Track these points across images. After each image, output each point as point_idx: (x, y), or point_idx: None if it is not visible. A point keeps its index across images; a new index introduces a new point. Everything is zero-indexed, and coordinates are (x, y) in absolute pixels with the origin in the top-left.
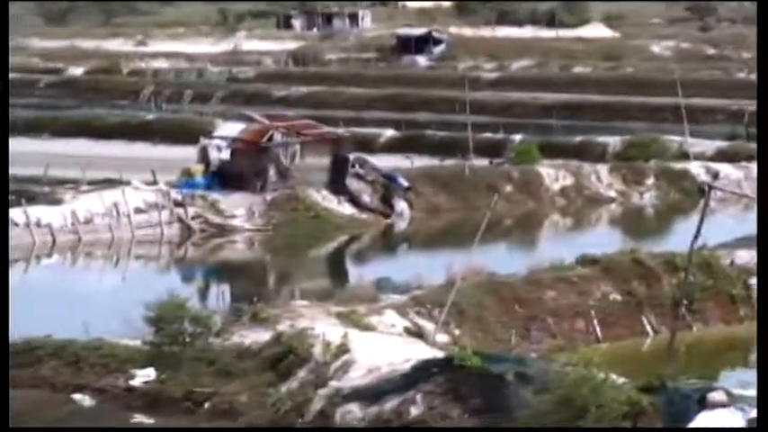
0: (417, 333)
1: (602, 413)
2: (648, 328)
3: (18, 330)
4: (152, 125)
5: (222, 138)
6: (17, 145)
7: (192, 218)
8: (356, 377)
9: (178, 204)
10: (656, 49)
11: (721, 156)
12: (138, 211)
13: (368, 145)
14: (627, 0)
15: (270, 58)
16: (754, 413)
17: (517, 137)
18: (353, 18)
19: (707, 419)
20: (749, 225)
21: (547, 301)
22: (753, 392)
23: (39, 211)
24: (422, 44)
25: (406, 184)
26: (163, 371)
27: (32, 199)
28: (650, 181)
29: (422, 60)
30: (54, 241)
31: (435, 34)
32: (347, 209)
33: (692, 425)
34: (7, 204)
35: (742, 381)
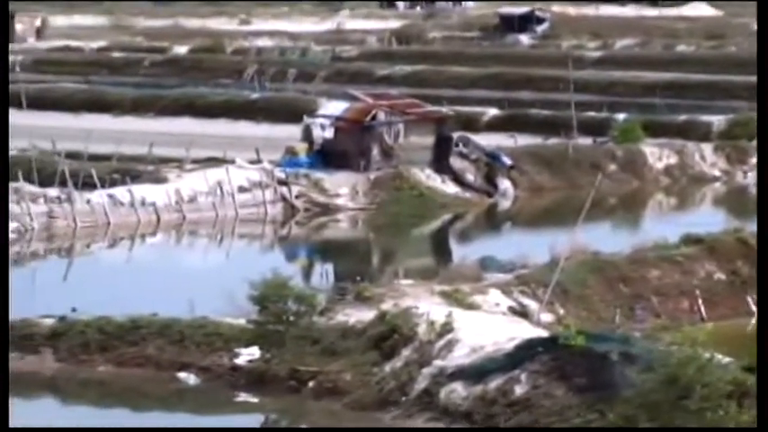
0: (521, 312)
1: (707, 392)
2: (753, 307)
3: (123, 309)
4: (256, 104)
5: (326, 116)
6: (122, 123)
7: (296, 196)
8: (460, 356)
9: (282, 183)
10: None
11: None
12: (242, 189)
13: (471, 124)
14: None
15: (373, 36)
16: None
17: (620, 116)
18: None
19: None
20: None
21: (651, 281)
22: None
23: (143, 190)
24: (525, 22)
25: (509, 162)
26: (267, 350)
27: (137, 178)
28: (754, 160)
29: (525, 39)
30: (158, 220)
31: (538, 13)
32: (451, 188)
33: None
34: (7, 204)
35: None
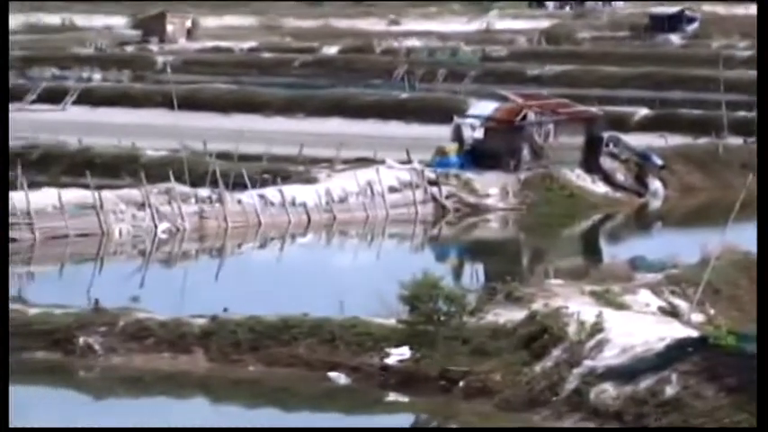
0: (672, 312)
1: None
2: None
3: (274, 309)
4: (406, 104)
5: (476, 116)
6: (272, 124)
7: (446, 197)
8: (610, 356)
9: (432, 183)
10: None
11: None
12: (392, 189)
13: (621, 123)
14: None
15: (523, 36)
16: None
17: None
18: None
19: None
20: None
21: None
22: None
23: (294, 190)
24: (675, 22)
25: (660, 162)
26: (417, 349)
27: (287, 178)
28: None
29: (675, 39)
30: (309, 220)
31: (688, 12)
32: (601, 188)
33: None
34: (7, 203)
35: None
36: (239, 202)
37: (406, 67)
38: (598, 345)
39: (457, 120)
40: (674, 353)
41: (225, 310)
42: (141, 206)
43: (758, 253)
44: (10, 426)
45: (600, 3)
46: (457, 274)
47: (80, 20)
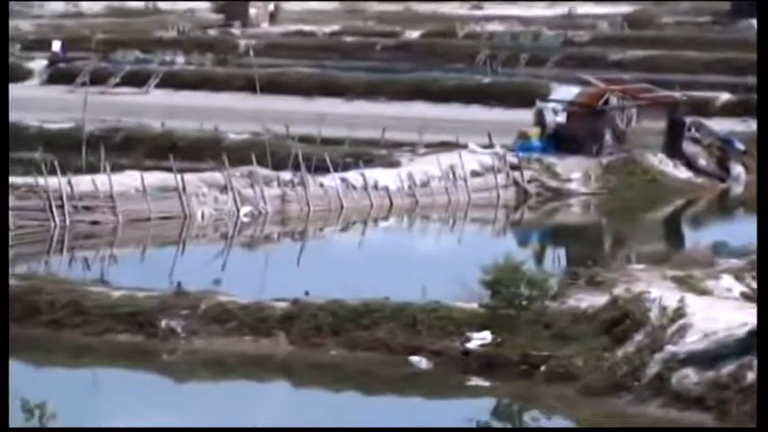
0: (754, 298)
1: None
2: None
3: (356, 293)
4: (488, 88)
5: (558, 101)
6: (355, 107)
7: (528, 181)
8: (692, 342)
9: (514, 167)
10: None
11: None
12: (475, 173)
13: (704, 108)
14: None
15: (605, 21)
16: None
17: None
18: None
19: None
20: None
21: None
22: None
23: (376, 174)
24: None
25: (742, 147)
26: (499, 334)
27: (369, 162)
28: None
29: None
30: (391, 204)
31: None
32: (683, 172)
33: None
34: (7, 203)
35: None
36: (321, 185)
37: (488, 51)
38: (680, 330)
39: (539, 104)
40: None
41: (306, 293)
42: (224, 189)
43: (758, 253)
44: (10, 426)
45: None
46: (539, 258)
47: (163, 3)
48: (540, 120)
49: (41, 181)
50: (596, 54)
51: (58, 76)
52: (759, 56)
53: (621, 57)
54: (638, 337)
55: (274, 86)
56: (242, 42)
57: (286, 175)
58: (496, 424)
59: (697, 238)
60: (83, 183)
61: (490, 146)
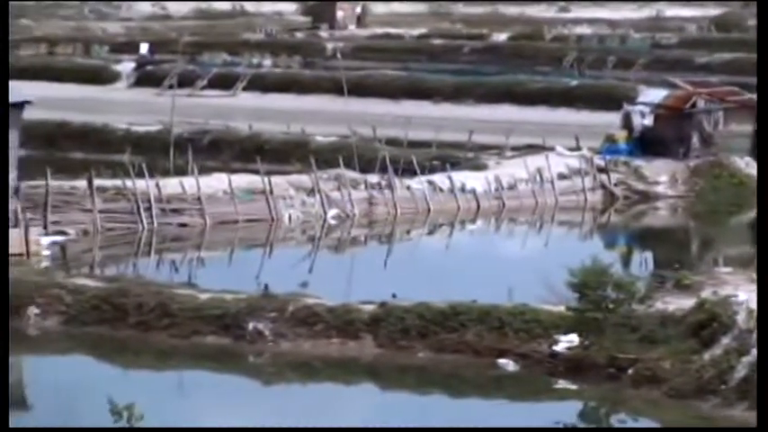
0: None
1: None
2: None
3: (443, 295)
4: (575, 91)
5: (645, 104)
6: (441, 110)
7: (615, 184)
8: None
9: (601, 170)
10: None
11: None
12: (562, 176)
13: None
14: None
15: (692, 24)
16: None
17: None
18: None
19: None
20: None
21: None
22: None
23: (463, 177)
24: None
25: None
26: (586, 337)
27: (456, 164)
28: None
29: None
30: (478, 207)
31: None
32: None
33: None
34: (7, 203)
35: None
36: (408, 188)
37: (575, 53)
38: None
39: (626, 107)
40: None
41: (394, 296)
42: (311, 192)
43: (758, 253)
44: (10, 426)
45: None
46: (626, 261)
47: (250, 5)
48: (627, 123)
49: (129, 183)
50: (683, 57)
51: (146, 78)
52: (759, 56)
53: (709, 59)
54: (726, 340)
55: (361, 89)
56: (329, 45)
57: (373, 178)
58: (583, 427)
59: None
60: (170, 185)
61: (577, 149)
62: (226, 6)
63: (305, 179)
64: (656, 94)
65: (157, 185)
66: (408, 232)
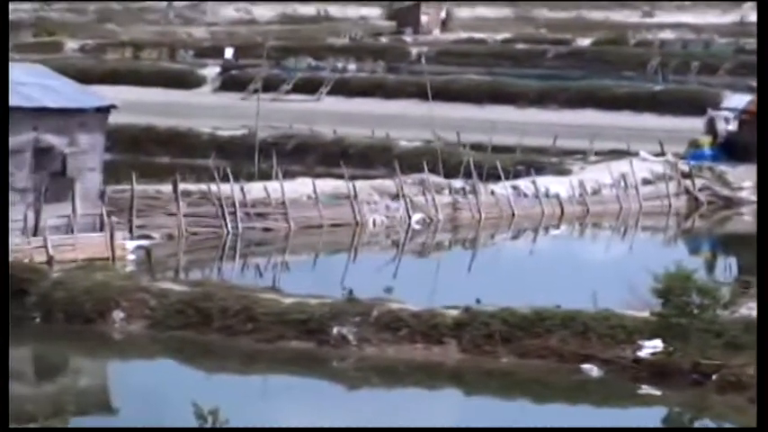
0: None
1: None
2: None
3: (527, 300)
4: (659, 96)
5: (730, 109)
6: (525, 115)
7: (700, 189)
8: None
9: (685, 176)
10: None
11: None
12: (646, 182)
13: None
14: None
15: None
16: None
17: None
18: None
19: None
20: None
21: None
22: None
23: (547, 182)
24: None
25: None
26: (670, 342)
27: (541, 169)
28: None
29: None
30: (562, 212)
31: None
32: None
33: None
34: (7, 204)
35: None
36: (493, 193)
37: (659, 59)
38: None
39: (711, 112)
40: None
41: (478, 301)
42: (395, 197)
43: (758, 254)
44: (9, 426)
45: None
46: (710, 266)
47: (335, 10)
48: (711, 128)
49: (214, 188)
50: None
51: (231, 83)
52: (759, 55)
53: None
54: None
55: (446, 93)
56: (413, 49)
57: (457, 183)
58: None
59: None
60: (255, 189)
61: (661, 154)
62: (311, 11)
63: (389, 184)
64: (740, 100)
65: (242, 190)
66: (492, 237)
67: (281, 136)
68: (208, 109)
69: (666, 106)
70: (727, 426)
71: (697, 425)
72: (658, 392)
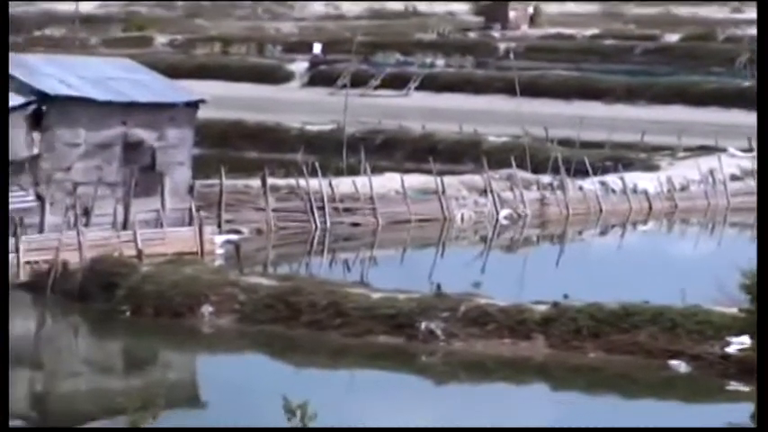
0: None
1: None
2: None
3: (614, 296)
4: (747, 92)
5: None
6: (613, 111)
7: None
8: None
9: None
10: None
11: None
12: (734, 178)
13: None
14: None
15: None
16: None
17: None
18: None
19: None
20: None
21: None
22: None
23: (635, 178)
24: None
25: None
26: None
27: (629, 165)
28: None
29: None
30: (650, 208)
31: None
32: None
33: None
34: (7, 204)
35: None
36: (580, 188)
37: (748, 54)
38: None
39: None
40: None
41: (565, 296)
42: (483, 192)
43: (758, 253)
44: (9, 426)
45: None
46: None
47: (423, 5)
48: None
49: (303, 183)
50: None
51: (319, 78)
52: (759, 55)
53: None
54: None
55: (533, 89)
56: (501, 45)
57: (545, 178)
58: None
59: None
60: (343, 185)
61: (750, 150)
62: (398, 6)
63: (477, 179)
64: None
65: (330, 185)
66: (580, 233)
67: (370, 131)
68: (296, 104)
69: (755, 102)
70: None
71: None
72: (746, 389)
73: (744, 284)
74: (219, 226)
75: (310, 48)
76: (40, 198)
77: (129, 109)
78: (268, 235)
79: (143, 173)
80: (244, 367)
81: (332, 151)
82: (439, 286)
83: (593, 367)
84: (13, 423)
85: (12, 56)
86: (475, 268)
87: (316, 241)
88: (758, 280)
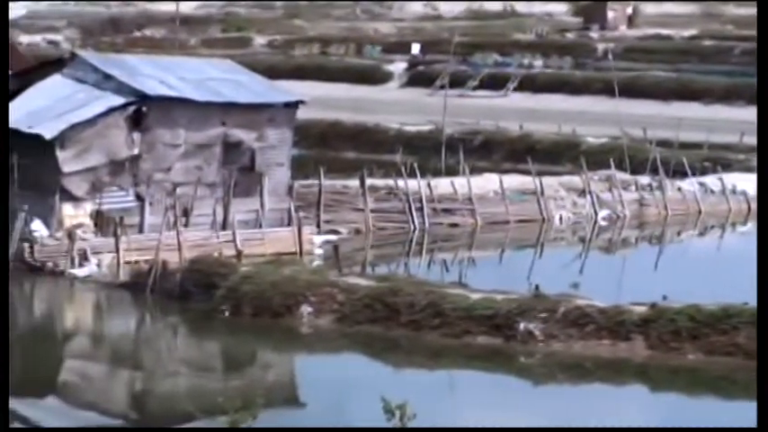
0: None
1: None
2: None
3: (713, 297)
4: None
5: None
6: (712, 112)
7: None
8: None
9: None
10: None
11: None
12: None
13: None
14: None
15: None
16: None
17: None
18: None
19: None
20: None
21: None
22: None
23: (734, 179)
24: None
25: None
26: None
27: (728, 166)
28: None
29: None
30: (749, 209)
31: None
32: None
33: None
34: (7, 204)
35: None
36: (679, 189)
37: None
38: None
39: None
40: None
41: (664, 297)
42: (581, 193)
43: (758, 253)
44: (9, 426)
45: None
46: None
47: (521, 6)
48: None
49: (401, 183)
50: None
51: (417, 78)
52: (759, 55)
53: None
54: None
55: (632, 90)
56: (600, 46)
57: (644, 179)
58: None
59: None
60: (442, 185)
61: None
62: (497, 7)
63: (576, 180)
64: None
65: (429, 185)
66: (679, 233)
67: (468, 132)
68: (394, 104)
69: None
70: None
71: None
72: None
73: None
74: (318, 226)
75: (409, 48)
76: (140, 198)
77: (228, 110)
78: (366, 235)
79: (242, 173)
80: (342, 367)
81: (430, 152)
82: (537, 287)
83: (693, 369)
84: (114, 423)
85: (112, 56)
86: (573, 269)
87: (414, 242)
88: (758, 279)
